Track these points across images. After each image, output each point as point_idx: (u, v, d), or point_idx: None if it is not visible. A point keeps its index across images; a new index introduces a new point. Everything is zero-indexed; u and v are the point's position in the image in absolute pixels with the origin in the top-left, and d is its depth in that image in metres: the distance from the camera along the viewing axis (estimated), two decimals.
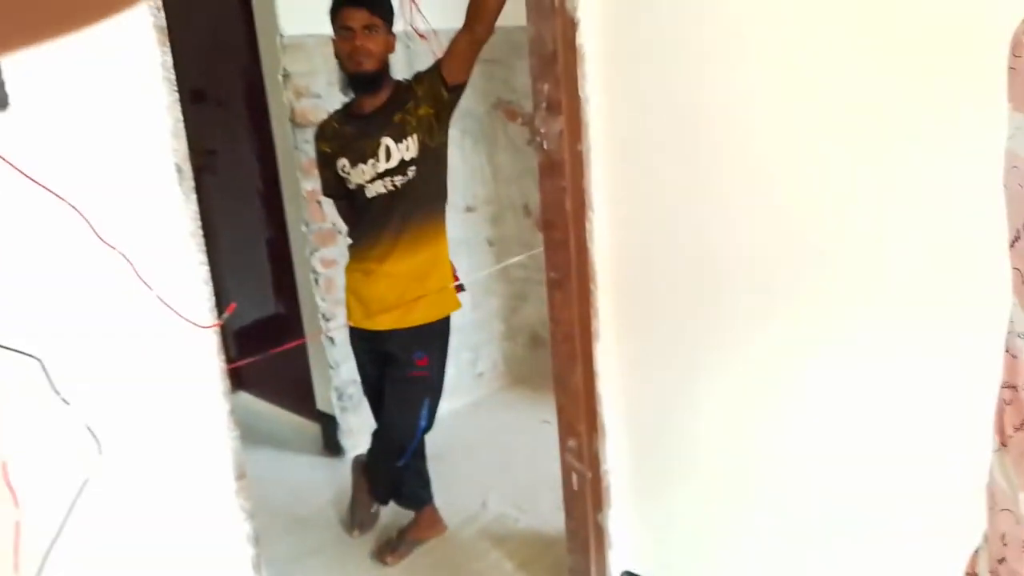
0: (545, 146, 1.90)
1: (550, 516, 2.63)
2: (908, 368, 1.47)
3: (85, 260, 1.19)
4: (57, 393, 1.17)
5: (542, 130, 1.89)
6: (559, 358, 2.04)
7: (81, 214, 1.16)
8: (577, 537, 2.16)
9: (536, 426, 3.24)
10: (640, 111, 1.77)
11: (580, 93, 1.82)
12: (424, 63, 2.70)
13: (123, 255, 1.19)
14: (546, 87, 1.86)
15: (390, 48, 2.20)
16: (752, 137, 1.59)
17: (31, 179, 1.13)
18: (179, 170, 1.27)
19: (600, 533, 2.10)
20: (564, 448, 2.12)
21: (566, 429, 2.09)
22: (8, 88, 1.13)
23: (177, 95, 1.27)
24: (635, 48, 1.75)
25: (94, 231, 1.17)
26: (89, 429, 1.21)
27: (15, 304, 1.16)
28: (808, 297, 1.58)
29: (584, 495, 2.10)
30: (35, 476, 1.20)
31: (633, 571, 2.12)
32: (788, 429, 1.69)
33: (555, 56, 1.82)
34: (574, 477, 2.11)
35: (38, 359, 1.15)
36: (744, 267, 1.67)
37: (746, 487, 1.81)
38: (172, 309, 1.24)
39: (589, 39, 1.79)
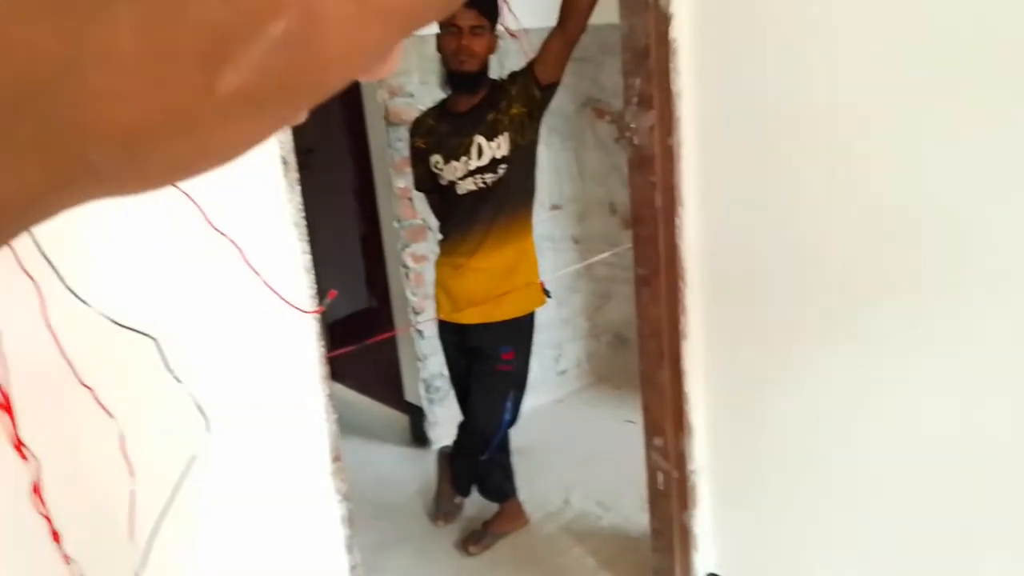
0: (635, 141, 1.89)
1: (633, 515, 2.62)
2: (1013, 367, 1.40)
3: (198, 246, 1.26)
4: (170, 371, 1.25)
5: (633, 125, 1.89)
6: (646, 356, 2.03)
7: (195, 202, 1.23)
8: (662, 536, 2.14)
9: (619, 425, 3.23)
10: (734, 106, 1.75)
11: (672, 87, 1.80)
12: (514, 61, 2.73)
13: (233, 242, 1.26)
14: (638, 82, 1.85)
15: (492, 49, 2.24)
16: (850, 132, 1.54)
17: None
18: (284, 162, 1.33)
19: (685, 533, 2.08)
20: (650, 447, 2.10)
21: (652, 427, 2.08)
22: None
23: None
24: (729, 42, 1.72)
25: (206, 219, 1.24)
26: (199, 407, 1.28)
27: (134, 286, 1.24)
28: (905, 294, 1.52)
29: (670, 494, 2.08)
30: (149, 450, 1.28)
31: (718, 573, 2.09)
32: (881, 430, 1.63)
33: (648, 50, 1.81)
34: (660, 476, 2.10)
35: (154, 338, 1.23)
36: (839, 264, 1.62)
37: (837, 490, 1.76)
38: (277, 294, 1.30)
39: (682, 33, 1.77)
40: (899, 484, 1.62)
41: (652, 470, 2.12)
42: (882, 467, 1.65)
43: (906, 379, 1.57)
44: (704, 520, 2.07)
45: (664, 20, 1.77)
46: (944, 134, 1.41)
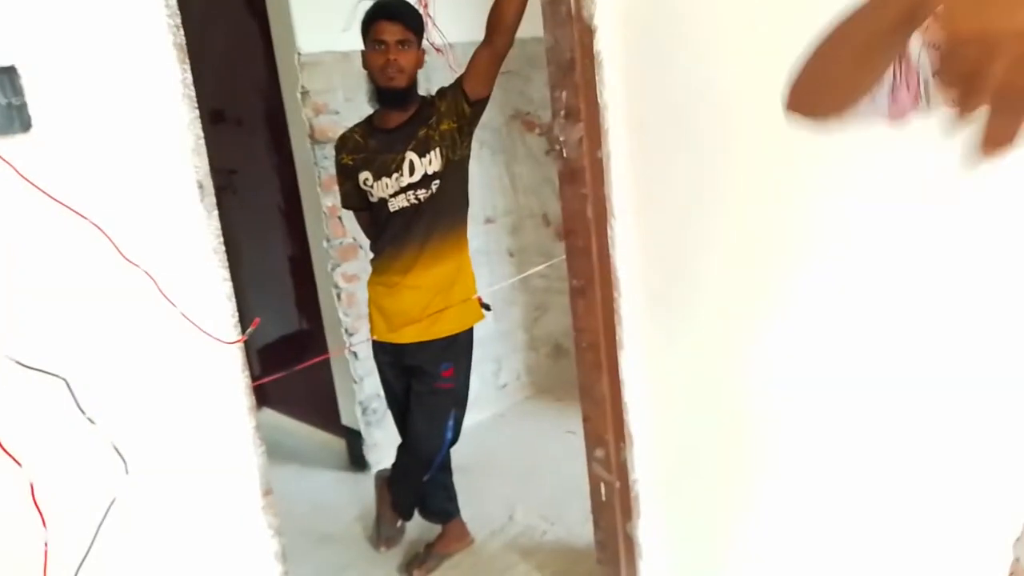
0: (565, 154, 1.89)
1: (578, 527, 2.61)
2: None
3: (109, 279, 1.19)
4: (83, 412, 1.17)
5: (561, 138, 1.88)
6: (584, 367, 2.02)
7: (104, 233, 1.16)
8: (607, 548, 2.13)
9: (561, 436, 3.22)
10: (660, 116, 1.76)
11: (599, 100, 1.81)
12: (440, 76, 2.71)
13: (147, 272, 1.19)
14: (564, 95, 1.85)
15: (420, 64, 2.21)
16: (775, 138, 1.56)
17: (54, 199, 1.14)
18: (201, 187, 1.27)
19: (630, 543, 2.07)
20: (591, 458, 2.09)
21: (593, 439, 2.07)
22: (31, 110, 1.13)
23: (197, 112, 1.27)
24: (652, 52, 1.73)
25: (117, 249, 1.17)
26: (115, 448, 1.20)
27: (40, 324, 1.16)
28: (839, 294, 1.55)
29: (613, 505, 2.07)
30: (62, 496, 1.20)
31: None
32: (823, 433, 1.65)
33: (573, 63, 1.81)
34: (602, 487, 2.09)
35: (63, 379, 1.15)
36: (770, 264, 1.64)
37: (783, 495, 1.77)
38: (196, 325, 1.23)
39: (607, 45, 1.78)
40: (849, 490, 1.64)
41: (595, 481, 2.11)
42: (829, 471, 1.67)
43: (837, 381, 1.59)
44: (649, 530, 2.07)
45: (588, 32, 1.77)
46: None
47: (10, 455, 1.13)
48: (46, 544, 1.17)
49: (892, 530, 1.58)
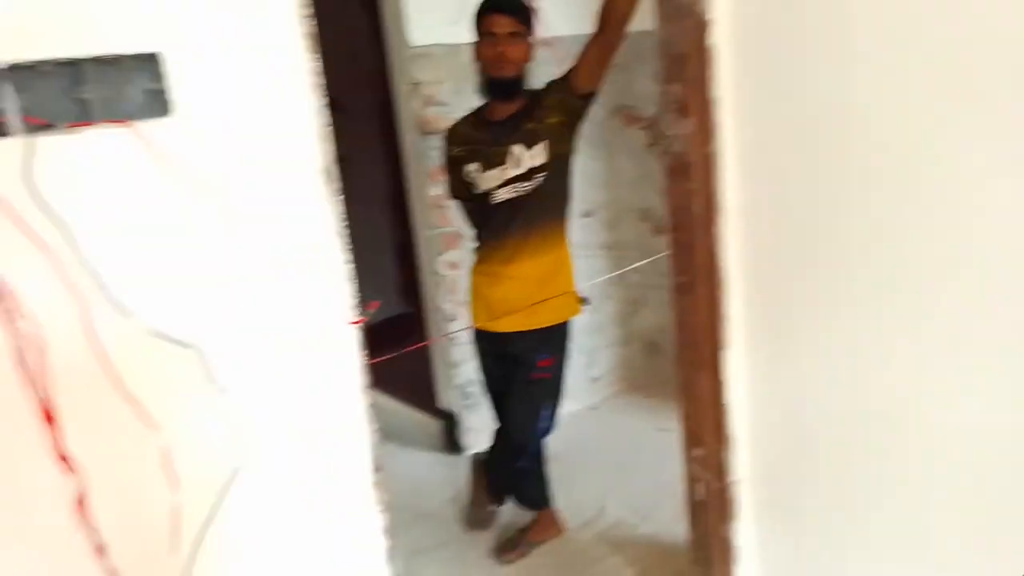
0: (673, 148, 1.87)
1: (670, 524, 2.59)
2: None
3: (242, 257, 1.26)
4: (214, 383, 1.25)
5: (670, 132, 1.86)
6: (684, 365, 2.00)
7: (239, 214, 1.23)
8: (701, 548, 2.11)
9: (653, 433, 3.20)
10: (775, 110, 1.71)
11: (711, 94, 1.78)
12: (546, 70, 2.72)
13: (277, 252, 1.26)
14: (675, 89, 1.83)
15: (530, 56, 2.23)
16: (897, 137, 1.51)
17: (194, 181, 1.21)
18: (327, 172, 1.32)
19: (726, 546, 2.04)
20: (689, 457, 2.07)
21: (691, 438, 2.05)
22: (172, 95, 1.21)
23: (325, 100, 1.33)
24: (768, 46, 1.69)
25: (251, 230, 1.24)
26: (242, 418, 1.28)
27: (177, 297, 1.24)
28: (960, 301, 1.48)
29: (710, 506, 2.05)
30: (192, 462, 1.28)
31: None
32: (932, 440, 1.59)
33: (685, 58, 1.79)
34: (699, 487, 2.07)
35: (197, 349, 1.23)
36: (887, 271, 1.58)
37: (890, 505, 1.71)
38: (320, 305, 1.29)
39: (721, 39, 1.75)
40: (962, 498, 1.57)
41: (691, 481, 2.09)
42: (926, 478, 1.61)
43: (972, 384, 1.52)
44: (746, 533, 2.03)
45: (702, 27, 1.74)
46: (996, 140, 1.37)
47: (149, 419, 1.21)
48: (177, 506, 1.26)
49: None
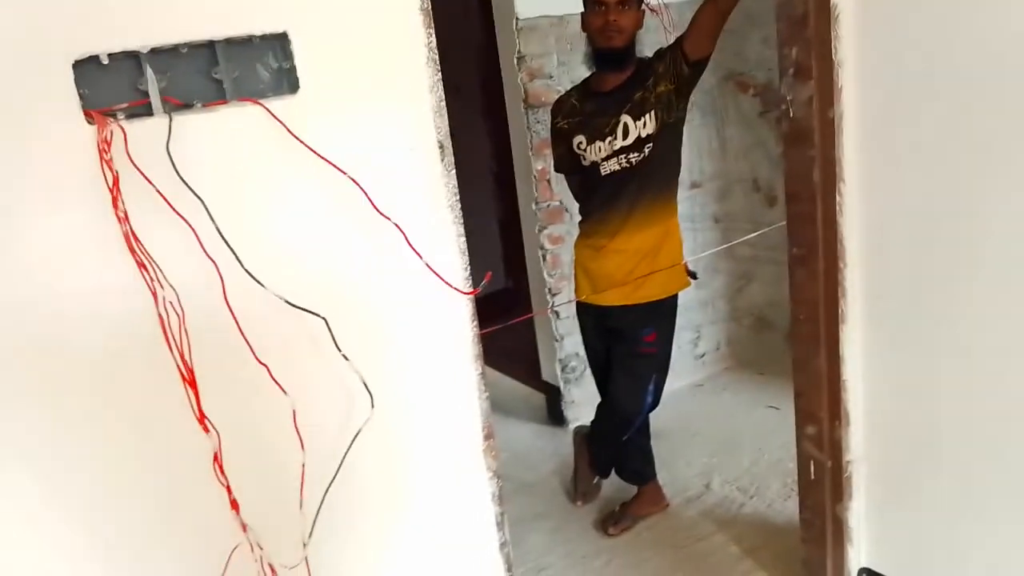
0: (792, 114, 1.80)
1: (776, 503, 2.54)
2: None
3: (363, 229, 1.31)
4: (339, 350, 1.30)
5: (789, 97, 1.79)
6: (800, 340, 1.94)
7: (361, 188, 1.27)
8: (813, 528, 2.06)
9: (761, 411, 3.13)
10: (902, 74, 1.62)
11: (833, 56, 1.70)
12: (654, 36, 2.67)
13: (396, 225, 1.30)
14: (795, 51, 1.76)
15: (639, 25, 2.19)
16: None
17: (319, 155, 1.26)
18: (441, 147, 1.35)
19: (839, 526, 1.98)
20: (802, 435, 2.02)
21: (805, 415, 1.99)
22: (299, 73, 1.26)
23: (440, 75, 1.35)
24: (895, 5, 1.60)
25: (371, 203, 1.28)
26: (365, 384, 1.33)
27: (305, 268, 1.30)
28: None
29: (822, 485, 1.99)
30: (317, 424, 1.34)
31: (873, 568, 1.98)
32: None
33: (805, 18, 1.71)
34: (812, 465, 2.01)
35: (324, 318, 1.29)
36: (1018, 249, 1.48)
37: (1015, 487, 1.62)
38: (438, 275, 1.33)
39: None
40: None
41: (804, 459, 2.03)
42: None
43: None
44: (859, 513, 1.97)
45: None
46: None
47: (278, 384, 1.28)
48: (303, 465, 1.33)
49: None
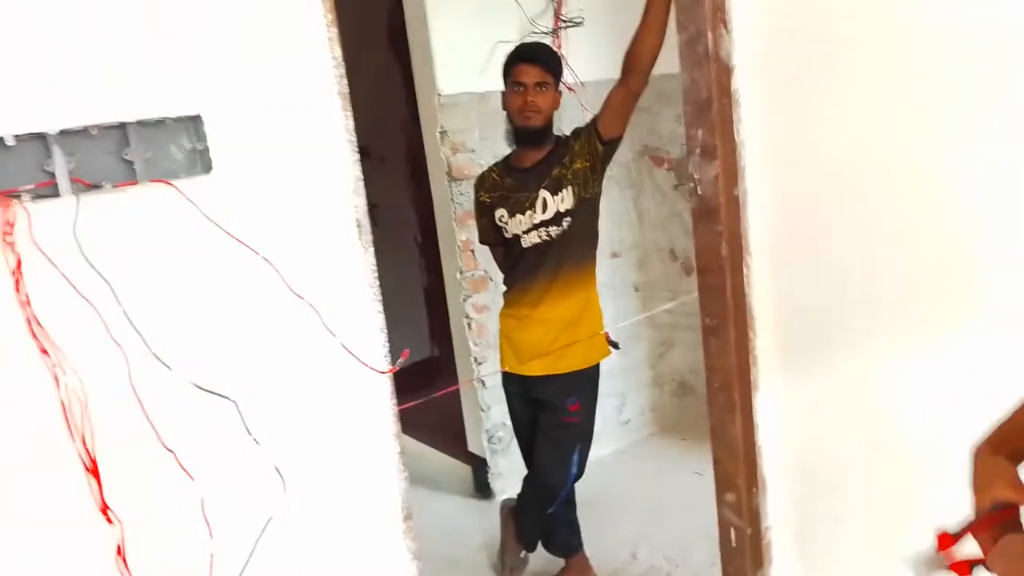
0: (699, 191, 1.88)
1: (703, 571, 2.55)
2: None
3: (276, 310, 1.30)
4: (249, 433, 1.27)
5: (696, 176, 1.88)
6: (716, 408, 1.99)
7: (275, 267, 1.27)
8: None
9: (686, 475, 3.16)
10: (800, 155, 1.73)
11: (736, 138, 1.80)
12: (571, 114, 2.77)
13: (310, 304, 1.29)
14: (700, 133, 1.85)
15: (556, 105, 2.28)
16: (925, 179, 1.51)
17: (231, 236, 1.25)
18: (359, 225, 1.36)
19: None
20: (721, 502, 2.05)
21: (723, 482, 2.02)
22: (212, 154, 1.25)
23: (358, 156, 1.37)
24: (792, 90, 1.71)
25: (285, 283, 1.28)
26: (276, 468, 1.30)
27: (214, 350, 1.27)
28: (987, 345, 1.46)
29: (743, 552, 2.01)
30: (227, 511, 1.30)
31: None
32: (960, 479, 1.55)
33: (709, 102, 1.81)
34: (732, 533, 2.03)
35: (234, 401, 1.26)
36: (916, 316, 1.57)
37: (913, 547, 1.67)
38: (354, 355, 1.32)
39: (744, 84, 1.77)
40: None
41: (724, 527, 2.06)
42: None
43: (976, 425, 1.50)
44: None
45: (726, 72, 1.77)
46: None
47: (185, 470, 1.24)
48: (212, 554, 1.28)
49: None
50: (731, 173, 1.82)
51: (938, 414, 1.58)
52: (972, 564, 0.98)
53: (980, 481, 0.99)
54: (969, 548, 1.02)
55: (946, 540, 1.02)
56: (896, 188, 1.55)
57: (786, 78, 1.72)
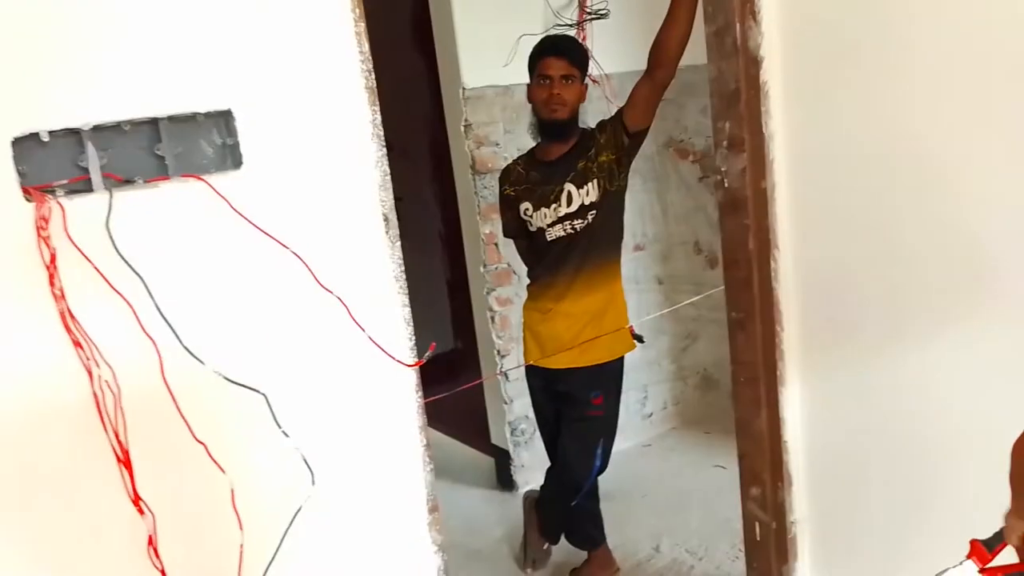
0: (726, 184, 1.87)
1: (726, 564, 2.54)
2: None
3: (305, 303, 1.31)
4: (279, 426, 1.28)
5: (723, 168, 1.86)
6: (742, 402, 1.98)
7: (303, 261, 1.28)
8: None
9: (709, 469, 3.15)
10: (828, 146, 1.71)
11: (764, 130, 1.78)
12: (597, 106, 2.75)
13: (339, 298, 1.30)
14: (728, 125, 1.84)
15: (582, 98, 2.27)
16: (951, 174, 1.49)
17: (260, 230, 1.26)
18: (386, 219, 1.37)
19: None
20: (746, 496, 2.04)
21: (749, 477, 2.02)
22: (242, 149, 1.26)
23: (385, 151, 1.37)
24: (820, 82, 1.70)
25: (314, 277, 1.29)
26: (305, 460, 1.31)
27: (244, 343, 1.28)
28: (1015, 340, 1.44)
29: (768, 546, 2.01)
30: (256, 503, 1.31)
31: None
32: (988, 477, 1.53)
33: (737, 94, 1.80)
34: (757, 527, 2.03)
35: (263, 394, 1.27)
36: (942, 309, 1.55)
37: (952, 546, 1.66)
38: (381, 348, 1.33)
39: (772, 76, 1.76)
40: None
41: (749, 521, 2.06)
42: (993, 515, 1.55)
43: (1003, 423, 1.48)
44: (804, 572, 1.98)
45: (754, 64, 1.75)
46: None
47: (215, 462, 1.25)
48: (241, 546, 1.29)
49: None
50: (759, 166, 1.81)
51: (964, 409, 1.56)
52: (1007, 573, 0.96)
53: (1019, 479, 0.97)
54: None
55: (980, 552, 1.01)
56: (925, 182, 1.53)
57: (815, 70, 1.70)
